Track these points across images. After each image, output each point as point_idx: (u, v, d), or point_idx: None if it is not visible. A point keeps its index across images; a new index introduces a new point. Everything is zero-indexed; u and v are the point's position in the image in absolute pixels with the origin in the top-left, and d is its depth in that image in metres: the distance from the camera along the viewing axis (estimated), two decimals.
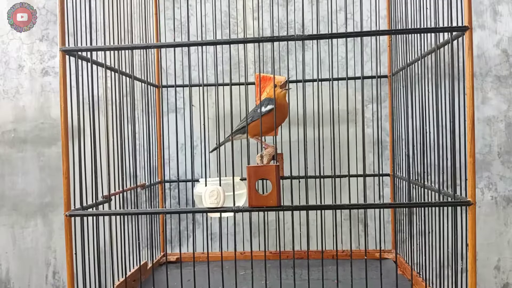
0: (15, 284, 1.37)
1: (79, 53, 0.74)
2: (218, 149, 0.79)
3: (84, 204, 0.75)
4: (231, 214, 0.96)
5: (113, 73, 0.84)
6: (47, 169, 1.36)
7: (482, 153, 1.28)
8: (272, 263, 1.07)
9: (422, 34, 0.84)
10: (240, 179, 1.01)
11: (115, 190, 0.82)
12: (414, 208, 0.91)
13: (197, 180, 1.04)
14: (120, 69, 0.81)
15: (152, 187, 1.09)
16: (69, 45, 0.74)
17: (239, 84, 1.16)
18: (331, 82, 0.84)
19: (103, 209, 0.79)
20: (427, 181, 0.82)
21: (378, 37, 0.76)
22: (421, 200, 0.84)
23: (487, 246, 1.29)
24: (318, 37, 0.73)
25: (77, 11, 0.76)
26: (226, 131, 1.05)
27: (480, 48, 1.28)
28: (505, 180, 1.28)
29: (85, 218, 0.75)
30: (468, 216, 0.68)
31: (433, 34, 0.74)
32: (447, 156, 0.73)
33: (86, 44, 0.76)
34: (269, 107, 0.95)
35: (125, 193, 0.89)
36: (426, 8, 0.83)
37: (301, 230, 1.04)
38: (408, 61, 0.94)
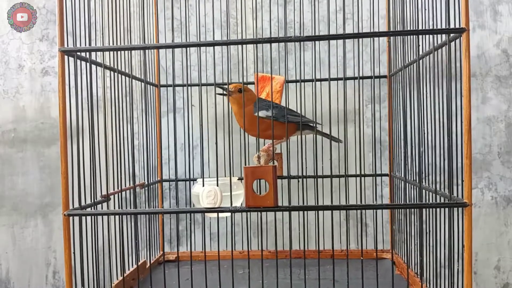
0: (15, 284, 1.38)
1: (78, 53, 0.75)
2: (216, 150, 0.79)
3: (83, 204, 0.75)
4: (229, 214, 0.96)
5: (112, 72, 0.84)
6: (47, 169, 1.36)
7: (482, 153, 1.28)
8: (270, 262, 1.07)
9: (420, 36, 0.84)
10: (238, 179, 1.01)
11: (113, 190, 0.83)
12: (411, 209, 0.91)
13: (195, 180, 1.05)
14: (119, 69, 0.81)
15: (151, 186, 1.09)
16: (68, 45, 0.74)
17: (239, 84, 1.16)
18: (329, 82, 0.84)
19: (102, 208, 0.80)
20: (425, 182, 0.82)
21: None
22: (418, 201, 0.84)
23: (487, 246, 1.29)
24: (316, 38, 0.73)
25: (76, 11, 0.76)
26: (225, 131, 1.05)
27: (480, 48, 1.28)
28: (505, 180, 1.28)
29: (83, 217, 0.75)
30: (464, 218, 0.68)
31: (430, 36, 0.75)
32: (444, 157, 0.74)
33: (85, 44, 0.77)
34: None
35: (123, 192, 0.89)
36: (424, 10, 0.83)
37: (299, 229, 1.04)
38: (406, 62, 0.94)
